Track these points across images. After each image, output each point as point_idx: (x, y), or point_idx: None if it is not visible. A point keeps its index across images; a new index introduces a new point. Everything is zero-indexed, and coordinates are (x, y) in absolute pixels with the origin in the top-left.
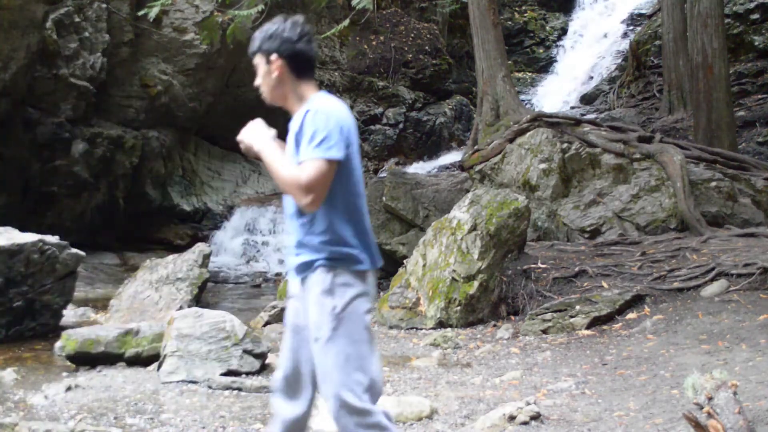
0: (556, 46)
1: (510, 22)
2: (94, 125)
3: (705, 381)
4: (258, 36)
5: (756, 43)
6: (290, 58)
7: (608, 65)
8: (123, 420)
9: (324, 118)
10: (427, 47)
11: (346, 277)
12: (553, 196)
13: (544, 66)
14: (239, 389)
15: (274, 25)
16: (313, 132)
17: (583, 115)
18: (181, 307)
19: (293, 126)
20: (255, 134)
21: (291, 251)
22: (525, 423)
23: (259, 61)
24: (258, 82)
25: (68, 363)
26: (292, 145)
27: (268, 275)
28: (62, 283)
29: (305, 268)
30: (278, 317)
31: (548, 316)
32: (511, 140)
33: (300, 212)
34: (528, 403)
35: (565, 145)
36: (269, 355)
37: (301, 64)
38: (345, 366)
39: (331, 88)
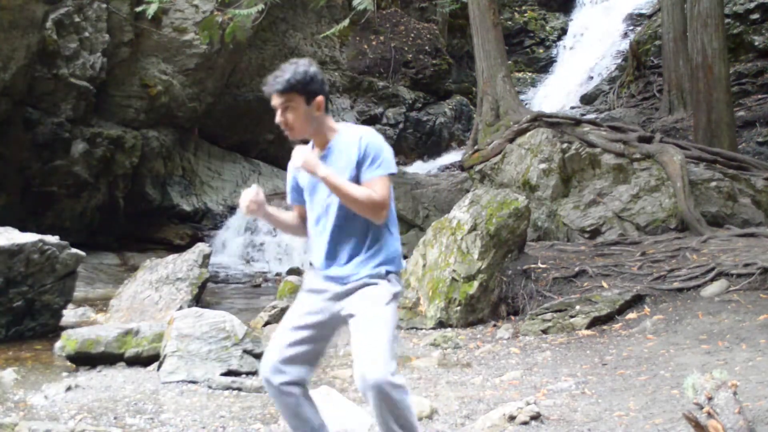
0: (556, 46)
1: (510, 22)
2: (94, 125)
3: (705, 381)
4: (290, 78)
5: (756, 43)
6: (326, 97)
7: (608, 65)
8: (123, 420)
9: (379, 142)
10: (427, 47)
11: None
12: (553, 196)
13: (544, 66)
14: (239, 389)
15: (308, 67)
16: (374, 155)
17: (583, 115)
18: (181, 307)
19: (344, 150)
20: (311, 161)
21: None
22: (525, 423)
23: (290, 100)
24: (288, 118)
25: (68, 363)
26: (346, 166)
27: (268, 275)
28: (62, 283)
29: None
30: (278, 317)
31: (548, 316)
32: (511, 140)
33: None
34: (528, 403)
35: (565, 145)
36: None
37: (328, 102)
38: None
39: (331, 88)
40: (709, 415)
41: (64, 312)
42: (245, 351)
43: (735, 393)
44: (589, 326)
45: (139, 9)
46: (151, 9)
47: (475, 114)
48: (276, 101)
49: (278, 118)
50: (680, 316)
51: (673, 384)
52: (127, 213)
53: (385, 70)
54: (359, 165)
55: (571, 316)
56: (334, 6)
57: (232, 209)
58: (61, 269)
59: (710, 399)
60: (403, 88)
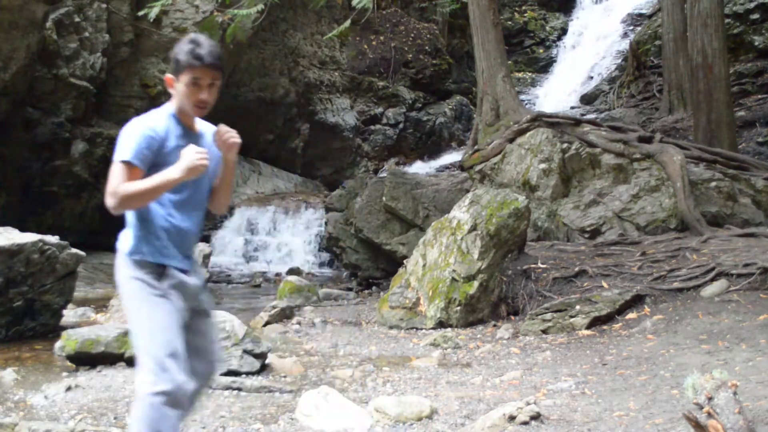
0: (556, 46)
1: (510, 22)
2: (94, 125)
3: (705, 381)
4: (217, 53)
5: (756, 43)
6: None
7: (608, 65)
8: (123, 420)
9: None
10: (427, 47)
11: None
12: (553, 196)
13: (544, 66)
14: (239, 389)
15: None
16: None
17: (583, 115)
18: None
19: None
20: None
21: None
22: (525, 423)
23: (218, 78)
24: (212, 96)
25: (68, 363)
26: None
27: (268, 275)
28: (62, 283)
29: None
30: (278, 317)
31: (548, 316)
32: (511, 140)
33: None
34: (528, 403)
35: (565, 145)
36: (269, 355)
37: None
38: None
39: (331, 87)
40: (709, 415)
41: (64, 312)
42: (245, 351)
43: (735, 393)
44: (589, 326)
45: (140, 13)
46: (153, 12)
47: (475, 114)
48: (209, 76)
49: (203, 95)
50: (680, 316)
51: (673, 384)
52: None
53: (385, 70)
54: None
55: (571, 316)
56: (334, 6)
57: (231, 209)
58: (61, 269)
59: (710, 399)
60: (403, 88)
